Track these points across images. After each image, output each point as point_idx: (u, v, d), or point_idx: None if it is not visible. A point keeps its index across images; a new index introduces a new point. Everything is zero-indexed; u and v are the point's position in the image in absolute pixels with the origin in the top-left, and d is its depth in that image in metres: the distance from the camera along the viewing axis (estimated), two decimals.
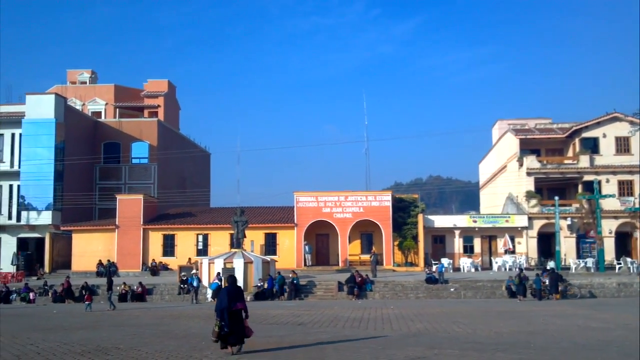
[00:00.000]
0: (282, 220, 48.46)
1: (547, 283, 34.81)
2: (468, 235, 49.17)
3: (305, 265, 46.24)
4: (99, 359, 13.43)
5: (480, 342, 15.48)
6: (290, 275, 38.28)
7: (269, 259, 40.37)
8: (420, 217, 47.79)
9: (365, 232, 48.58)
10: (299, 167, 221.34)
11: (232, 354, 13.52)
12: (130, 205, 49.07)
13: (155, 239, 48.66)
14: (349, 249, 47.40)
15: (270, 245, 47.77)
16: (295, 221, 47.25)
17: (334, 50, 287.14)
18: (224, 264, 37.29)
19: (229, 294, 13.82)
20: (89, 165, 57.09)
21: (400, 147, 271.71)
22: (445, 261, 44.19)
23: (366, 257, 45.99)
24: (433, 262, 44.22)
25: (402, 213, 47.91)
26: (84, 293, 32.35)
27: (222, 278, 36.15)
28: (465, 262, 46.47)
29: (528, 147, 53.06)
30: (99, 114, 63.72)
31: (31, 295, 39.18)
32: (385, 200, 47.53)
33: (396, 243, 47.67)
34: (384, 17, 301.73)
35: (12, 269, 48.77)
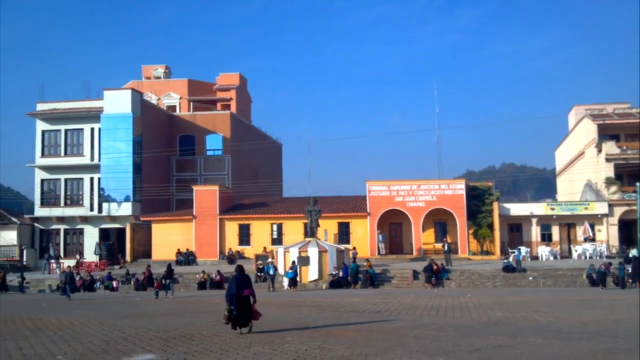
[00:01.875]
0: (354, 210, 48.54)
1: (630, 271, 33.73)
2: (546, 223, 48.04)
3: (379, 254, 46.21)
4: (184, 344, 13.78)
5: (564, 331, 15.17)
6: (365, 263, 38.36)
7: (343, 248, 40.56)
8: (495, 205, 47.00)
9: (439, 221, 48.14)
10: (370, 157, 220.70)
11: (245, 333, 15.12)
12: (206, 196, 50.14)
13: (231, 229, 49.58)
14: (422, 238, 47.09)
15: (344, 234, 47.95)
16: (368, 210, 47.24)
17: (400, 41, 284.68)
18: (299, 252, 37.67)
19: (238, 281, 15.40)
20: (166, 158, 58.55)
21: (472, 134, 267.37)
22: (522, 249, 43.35)
23: (440, 245, 45.57)
24: (510, 250, 43.48)
25: (477, 201, 47.24)
26: (163, 282, 33.39)
27: (298, 267, 36.62)
28: (543, 251, 45.49)
29: (606, 133, 51.38)
30: (173, 107, 65.20)
31: (114, 283, 40.63)
32: (459, 188, 46.96)
33: (471, 232, 47.07)
34: (450, 5, 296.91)
35: (95, 259, 50.60)
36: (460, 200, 46.41)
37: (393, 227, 49.05)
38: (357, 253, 42.29)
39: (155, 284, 34.45)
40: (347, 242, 46.84)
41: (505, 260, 38.31)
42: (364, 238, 47.04)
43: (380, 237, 46.90)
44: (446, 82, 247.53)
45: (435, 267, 36.51)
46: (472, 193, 47.61)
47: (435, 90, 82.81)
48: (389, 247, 48.25)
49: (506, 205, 49.18)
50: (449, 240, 43.62)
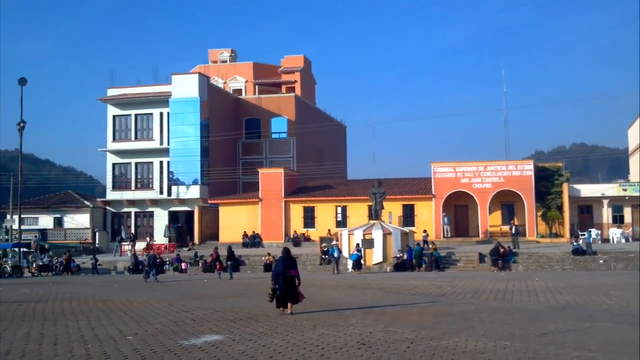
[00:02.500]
0: (419, 192, 48.16)
1: None
2: (617, 204, 46.63)
3: (444, 236, 45.80)
4: (250, 326, 14.00)
5: (636, 315, 14.71)
6: (430, 246, 38.09)
7: (407, 230, 40.37)
8: (565, 186, 45.86)
9: (506, 203, 47.30)
10: (436, 138, 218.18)
11: (289, 313, 15.68)
12: (271, 178, 50.65)
13: (296, 211, 49.97)
14: (489, 220, 46.39)
15: (408, 216, 47.68)
16: (433, 192, 46.82)
17: (465, 17, 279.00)
18: (363, 235, 37.71)
19: (284, 262, 16.12)
20: (232, 141, 59.32)
21: (540, 114, 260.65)
22: (593, 232, 42.19)
23: (507, 228, 44.78)
24: (580, 233, 42.41)
25: (545, 182, 46.17)
26: (228, 264, 34.11)
27: (362, 249, 36.67)
28: (614, 233, 44.19)
29: None
30: (239, 91, 65.91)
31: (183, 265, 41.60)
32: (527, 169, 45.98)
33: (539, 213, 46.11)
34: None
35: (164, 241, 51.85)
36: (528, 182, 45.45)
37: (459, 209, 48.49)
38: (427, 235, 42.08)
39: (218, 266, 35.17)
40: (412, 224, 46.56)
41: (575, 243, 37.41)
42: (429, 220, 46.67)
43: (445, 219, 46.46)
44: (514, 60, 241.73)
45: (502, 250, 35.96)
46: (540, 174, 46.55)
47: (503, 69, 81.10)
48: (455, 230, 47.75)
49: (576, 186, 47.91)
50: (516, 223, 42.83)
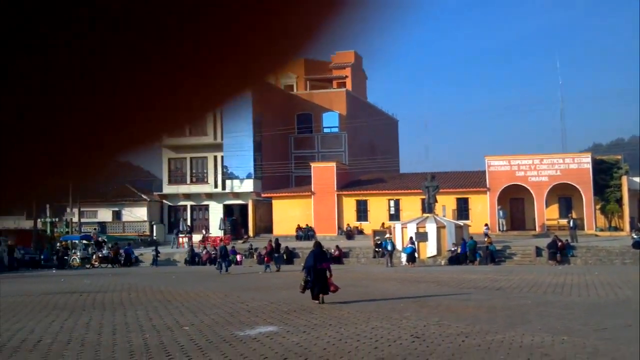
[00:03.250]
0: (473, 185, 47.58)
1: None
2: None
3: (499, 230, 45.14)
4: (304, 317, 14.10)
5: None
6: (485, 240, 37.66)
7: (462, 224, 39.96)
8: (624, 179, 44.65)
9: (563, 196, 46.29)
10: (490, 131, 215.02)
11: (318, 302, 16.38)
12: (324, 172, 50.77)
13: (349, 205, 49.98)
14: (545, 214, 45.53)
15: (462, 210, 47.17)
16: (488, 185, 46.19)
17: (518, 8, 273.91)
18: (417, 228, 37.48)
19: (316, 255, 17.05)
20: (284, 136, 59.64)
21: (598, 106, 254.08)
22: None
23: (564, 221, 43.86)
24: None
25: (604, 175, 45.04)
26: (275, 256, 34.59)
27: (416, 242, 36.47)
28: None
29: None
30: (291, 87, 66.15)
31: (238, 257, 42.09)
32: (585, 162, 44.91)
33: (598, 207, 45.01)
34: None
35: (219, 234, 52.54)
36: (586, 175, 44.39)
37: (514, 202, 47.69)
38: (489, 228, 41.59)
39: (266, 259, 35.37)
40: (467, 218, 46.02)
41: (635, 236, 36.40)
42: (484, 214, 46.06)
43: (500, 213, 45.77)
44: (569, 53, 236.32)
45: (559, 243, 35.28)
46: (599, 167, 45.42)
47: (558, 61, 79.42)
48: (510, 224, 47.02)
49: (636, 179, 46.56)
50: (574, 216, 41.90)
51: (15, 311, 16.26)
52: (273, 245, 38.87)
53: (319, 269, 16.68)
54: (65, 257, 43.23)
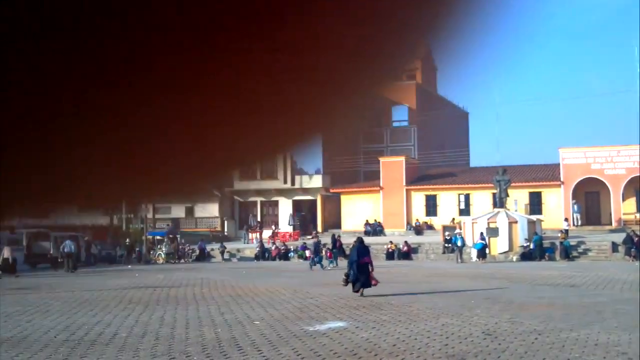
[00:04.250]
0: (546, 178, 46.43)
1: None
2: None
3: (574, 224, 43.91)
4: (373, 313, 14.09)
5: None
6: (559, 235, 36.76)
7: (534, 219, 39.12)
8: None
9: None
10: (564, 123, 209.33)
11: (360, 295, 17.16)
12: (392, 167, 50.53)
13: (418, 200, 49.60)
14: (622, 208, 44.03)
15: (535, 204, 46.12)
16: (562, 179, 45.01)
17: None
18: (488, 223, 36.91)
19: (358, 251, 17.90)
20: (353, 131, 59.59)
21: None
22: None
23: None
24: None
25: None
26: (333, 252, 34.67)
27: (486, 237, 35.92)
28: None
29: None
30: None
31: (307, 252, 42.32)
32: None
33: None
34: None
35: (289, 229, 53.03)
36: None
37: (589, 196, 46.28)
38: (568, 224, 40.57)
39: (328, 254, 35.34)
40: (539, 212, 44.98)
41: None
42: (558, 208, 44.91)
43: (575, 207, 44.51)
44: None
45: (636, 238, 34.09)
46: None
47: (636, 47, 76.35)
48: (585, 218, 45.68)
49: None
50: None
51: (92, 305, 16.85)
52: (341, 241, 38.99)
53: (362, 263, 17.54)
54: (151, 253, 44.46)
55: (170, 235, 46.73)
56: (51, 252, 37.57)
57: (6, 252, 29.73)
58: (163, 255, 43.15)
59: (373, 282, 17.52)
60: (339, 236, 41.66)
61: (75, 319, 14.07)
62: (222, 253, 43.76)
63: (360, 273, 17.54)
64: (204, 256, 43.63)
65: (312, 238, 48.49)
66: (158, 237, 45.96)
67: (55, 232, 38.35)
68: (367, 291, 17.40)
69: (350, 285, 17.92)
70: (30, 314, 15.24)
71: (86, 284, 24.26)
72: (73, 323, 13.46)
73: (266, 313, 14.51)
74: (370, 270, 17.65)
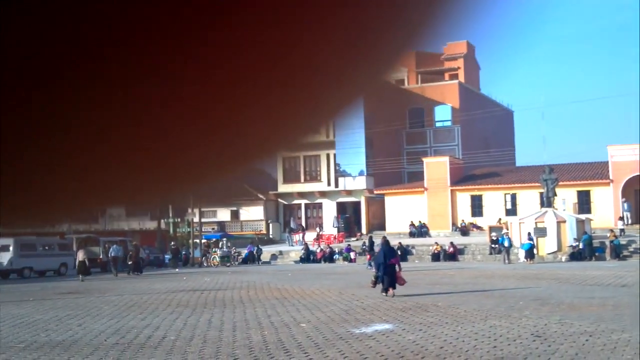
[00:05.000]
0: (595, 177, 45.52)
1: None
2: None
3: (625, 223, 42.95)
4: (419, 315, 14.01)
5: None
6: (608, 234, 36.03)
7: (583, 218, 38.40)
8: None
9: None
10: (612, 119, 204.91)
11: (388, 295, 17.60)
12: (436, 167, 50.17)
13: (463, 200, 49.14)
14: None
15: (584, 203, 45.25)
16: (611, 177, 44.06)
17: None
18: (535, 223, 36.37)
19: (384, 252, 18.33)
20: (396, 131, 59.35)
21: None
22: None
23: None
24: None
25: None
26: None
27: (534, 237, 35.39)
28: None
29: None
30: (401, 81, 65.68)
31: (352, 254, 42.39)
32: None
33: None
34: None
35: (333, 231, 53.05)
36: None
37: None
38: (624, 223, 39.75)
39: (368, 256, 35.25)
40: (588, 211, 44.11)
41: None
42: (607, 207, 43.98)
43: (625, 205, 43.52)
44: None
45: None
46: None
47: None
48: (636, 217, 44.60)
49: None
50: None
51: (141, 308, 17.13)
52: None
53: (389, 264, 17.93)
54: (206, 256, 45.06)
55: (224, 239, 47.28)
56: (100, 257, 38.60)
57: (80, 255, 30.93)
58: (217, 259, 43.61)
59: (400, 282, 17.84)
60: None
61: (124, 322, 14.33)
62: (258, 255, 44.13)
63: (387, 274, 17.95)
64: (253, 259, 43.99)
65: (357, 240, 48.58)
66: (213, 240, 46.56)
67: (104, 237, 39.20)
68: (398, 291, 17.75)
69: (380, 286, 18.30)
70: (81, 317, 15.58)
71: (134, 288, 24.68)
72: (123, 326, 13.71)
73: (312, 315, 14.55)
74: (397, 270, 18.07)
